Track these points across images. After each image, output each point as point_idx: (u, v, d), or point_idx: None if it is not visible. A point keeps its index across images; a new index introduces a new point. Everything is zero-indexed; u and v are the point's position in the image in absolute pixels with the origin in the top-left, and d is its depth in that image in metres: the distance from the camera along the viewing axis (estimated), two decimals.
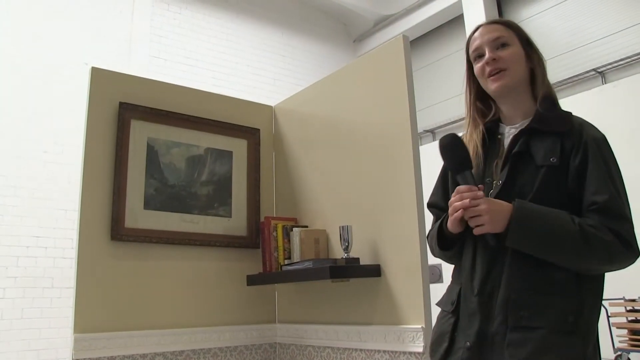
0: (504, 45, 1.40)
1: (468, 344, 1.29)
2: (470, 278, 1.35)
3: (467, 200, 1.26)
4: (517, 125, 1.40)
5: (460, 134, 1.44)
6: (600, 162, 1.25)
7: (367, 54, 2.56)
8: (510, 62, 1.38)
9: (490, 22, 1.45)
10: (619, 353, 4.33)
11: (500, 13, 5.49)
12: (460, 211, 1.29)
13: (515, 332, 1.22)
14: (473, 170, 1.34)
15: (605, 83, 4.60)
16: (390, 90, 2.24)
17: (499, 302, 1.26)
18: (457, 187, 1.31)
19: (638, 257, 1.22)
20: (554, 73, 4.82)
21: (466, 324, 1.32)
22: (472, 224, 1.28)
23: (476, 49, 1.44)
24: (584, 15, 4.87)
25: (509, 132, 1.41)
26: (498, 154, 1.39)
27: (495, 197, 1.30)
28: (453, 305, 1.39)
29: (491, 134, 1.44)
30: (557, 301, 1.21)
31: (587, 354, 1.21)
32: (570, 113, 1.37)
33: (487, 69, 1.40)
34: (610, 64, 4.56)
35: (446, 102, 5.83)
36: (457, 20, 5.86)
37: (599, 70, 4.63)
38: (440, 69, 6.11)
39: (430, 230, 1.56)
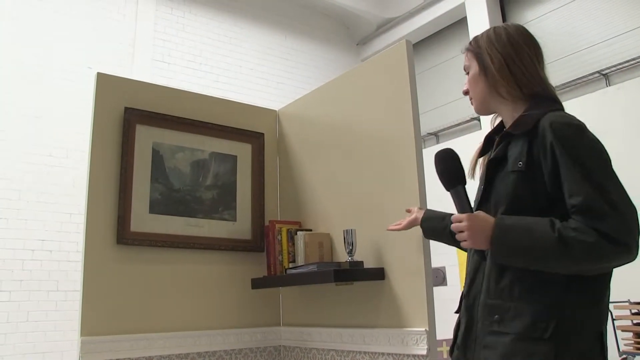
0: (468, 72, 1.49)
1: (458, 343, 1.40)
2: (465, 282, 1.44)
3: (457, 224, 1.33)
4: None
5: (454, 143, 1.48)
6: (569, 162, 1.21)
7: (370, 58, 2.57)
8: (471, 88, 1.47)
9: (463, 51, 1.53)
10: (624, 356, 4.31)
11: (503, 16, 5.50)
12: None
13: (489, 336, 1.29)
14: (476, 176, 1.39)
15: (609, 85, 4.60)
16: (393, 94, 2.25)
17: (480, 306, 1.34)
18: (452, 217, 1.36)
19: (633, 249, 1.15)
20: (558, 75, 4.82)
21: (460, 324, 1.42)
22: (457, 238, 1.33)
23: None
24: (587, 17, 4.87)
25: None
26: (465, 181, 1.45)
27: (478, 203, 1.38)
28: (458, 307, 1.47)
29: (492, 140, 1.47)
30: (530, 307, 1.23)
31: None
32: (547, 111, 1.31)
33: None
34: (614, 66, 4.56)
35: (449, 105, 5.83)
36: (460, 23, 5.87)
37: (603, 73, 4.62)
38: (443, 72, 6.11)
39: None
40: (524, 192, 1.28)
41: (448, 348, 1.54)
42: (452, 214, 1.51)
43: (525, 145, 1.29)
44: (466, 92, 1.50)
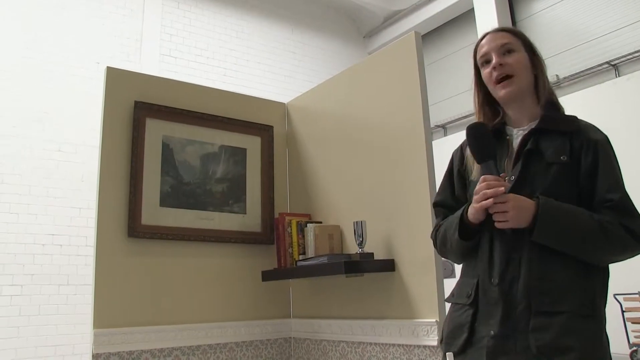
0: (510, 51, 1.46)
1: (492, 332, 1.33)
2: (488, 269, 1.39)
3: (501, 188, 1.30)
4: (525, 127, 1.47)
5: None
6: (609, 163, 1.35)
7: (379, 50, 2.57)
8: (516, 68, 1.44)
9: (497, 30, 1.53)
10: (635, 348, 4.30)
11: (511, 7, 5.46)
12: (489, 200, 1.32)
13: (538, 317, 1.28)
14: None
15: (618, 76, 4.57)
16: (402, 86, 2.24)
17: (520, 290, 1.31)
18: (484, 176, 1.35)
19: None
20: (567, 66, 4.79)
21: (487, 314, 1.36)
22: (496, 218, 1.33)
23: (483, 55, 1.51)
24: (596, 7, 4.83)
25: (517, 134, 1.48)
26: (507, 154, 1.46)
27: (510, 191, 1.35)
28: (470, 297, 1.42)
29: (499, 135, 1.50)
30: (575, 287, 1.29)
31: (604, 339, 1.30)
32: (576, 117, 1.45)
33: (495, 74, 1.46)
34: (623, 56, 4.53)
35: (457, 96, 5.81)
36: (467, 15, 5.84)
37: (613, 63, 4.59)
38: (450, 63, 6.09)
39: (437, 227, 1.58)
40: (562, 182, 1.35)
41: (444, 339, 1.50)
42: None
43: (567, 142, 1.38)
44: (502, 65, 1.44)
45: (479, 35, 1.57)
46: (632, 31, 4.55)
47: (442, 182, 1.65)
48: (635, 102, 4.32)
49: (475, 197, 1.37)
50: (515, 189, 1.36)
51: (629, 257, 1.33)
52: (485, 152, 1.39)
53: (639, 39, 4.48)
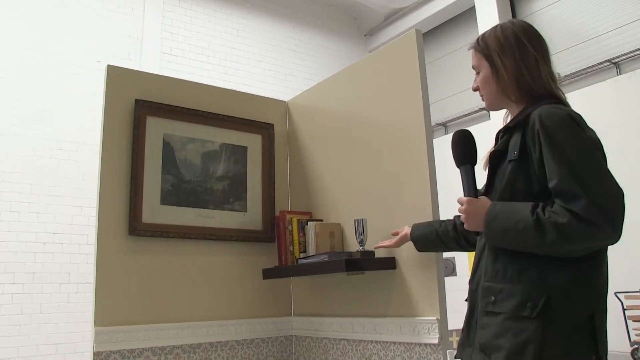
0: (478, 72, 1.54)
1: (463, 326, 1.47)
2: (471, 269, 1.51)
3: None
4: None
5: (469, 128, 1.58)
6: (549, 148, 1.28)
7: (380, 48, 2.57)
8: (482, 88, 1.53)
9: (470, 48, 1.57)
10: (636, 346, 4.30)
11: (512, 5, 5.45)
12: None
13: (484, 317, 1.36)
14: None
15: (620, 74, 4.56)
16: (403, 84, 2.24)
17: (480, 290, 1.40)
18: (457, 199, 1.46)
19: (606, 230, 1.19)
20: (568, 64, 4.79)
21: (466, 310, 1.48)
22: (462, 220, 1.45)
23: None
24: (597, 5, 4.82)
25: None
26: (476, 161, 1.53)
27: (484, 193, 1.46)
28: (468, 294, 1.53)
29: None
30: (521, 288, 1.29)
31: (547, 342, 1.22)
32: (539, 105, 1.37)
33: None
34: (625, 54, 4.52)
35: (458, 95, 5.81)
36: (468, 13, 5.83)
37: (614, 61, 4.59)
38: (451, 62, 6.08)
39: None
40: (518, 179, 1.36)
41: (458, 338, 1.55)
42: (439, 221, 1.88)
43: (519, 136, 1.38)
44: (476, 89, 1.56)
45: (480, 33, 1.60)
46: (633, 29, 4.54)
47: None
48: (637, 100, 4.31)
49: None
50: (487, 188, 1.45)
51: (587, 244, 1.23)
52: (463, 157, 1.47)
53: None
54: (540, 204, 1.28)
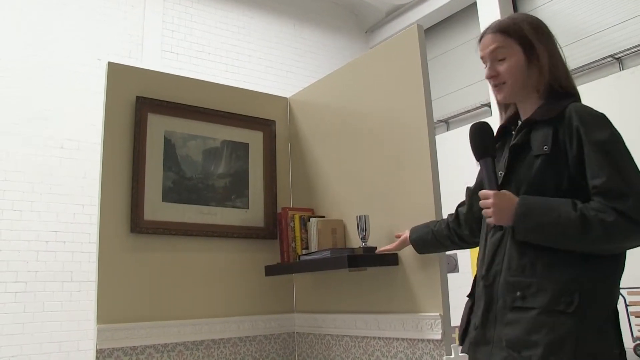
0: (502, 58, 1.43)
1: (476, 324, 1.40)
2: (481, 265, 1.45)
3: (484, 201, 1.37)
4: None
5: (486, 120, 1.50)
6: (594, 145, 1.27)
7: (381, 44, 2.55)
8: (507, 76, 1.42)
9: (491, 31, 1.47)
10: (638, 342, 4.30)
11: (514, 1, 5.43)
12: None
13: (511, 313, 1.31)
14: None
15: (622, 69, 4.55)
16: (405, 80, 2.23)
17: (500, 285, 1.35)
18: (479, 193, 1.40)
19: None
20: (570, 60, 4.76)
21: (477, 306, 1.43)
22: (484, 214, 1.39)
23: (481, 58, 1.50)
24: (599, 0, 4.80)
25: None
26: (495, 152, 1.47)
27: (499, 187, 1.39)
28: (471, 290, 1.50)
29: (507, 130, 1.53)
30: (552, 283, 1.27)
31: (581, 337, 1.22)
32: (571, 101, 1.37)
33: (490, 82, 1.48)
34: (627, 49, 4.51)
35: (459, 91, 5.79)
36: (470, 9, 5.81)
37: (616, 57, 4.57)
38: (453, 58, 6.07)
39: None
40: (547, 175, 1.32)
41: (458, 334, 1.54)
42: (435, 221, 1.88)
43: (550, 131, 1.34)
44: (493, 77, 1.45)
45: (482, 30, 1.55)
46: (635, 24, 4.52)
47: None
48: (639, 95, 4.29)
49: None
50: (503, 184, 1.39)
51: (631, 244, 1.24)
52: (484, 150, 1.41)
53: None
54: (577, 201, 1.26)
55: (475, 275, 1.49)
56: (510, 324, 1.30)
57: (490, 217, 1.35)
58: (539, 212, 1.27)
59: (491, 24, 1.50)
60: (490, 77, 1.46)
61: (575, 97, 1.41)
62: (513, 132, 1.48)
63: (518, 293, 1.30)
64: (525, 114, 1.47)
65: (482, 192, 1.37)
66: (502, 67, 1.43)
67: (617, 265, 1.30)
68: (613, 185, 1.23)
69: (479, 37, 1.52)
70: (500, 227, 1.38)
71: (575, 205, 1.25)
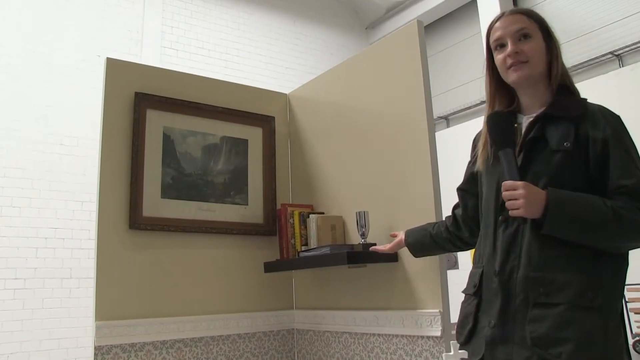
0: (526, 36, 1.41)
1: (492, 322, 1.34)
2: (491, 260, 1.39)
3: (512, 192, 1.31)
4: (534, 114, 1.43)
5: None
6: (621, 147, 1.29)
7: (381, 39, 2.55)
8: (531, 54, 1.40)
9: (513, 12, 1.46)
10: (638, 338, 4.30)
11: None
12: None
13: (535, 309, 1.27)
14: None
15: (622, 66, 4.53)
16: (405, 75, 2.22)
17: (519, 281, 1.31)
18: (503, 183, 1.33)
19: None
20: (570, 57, 4.75)
21: (489, 304, 1.37)
22: (509, 206, 1.31)
23: (498, 38, 1.45)
24: None
25: (526, 121, 1.44)
26: (516, 142, 1.42)
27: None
28: (475, 287, 1.44)
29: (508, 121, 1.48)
30: (575, 278, 1.25)
31: (608, 331, 1.23)
32: (586, 99, 1.40)
33: (509, 61, 1.42)
34: (627, 46, 4.49)
35: (460, 88, 5.77)
36: (470, 5, 5.79)
37: (616, 53, 4.55)
38: (453, 54, 6.05)
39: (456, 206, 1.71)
40: (567, 171, 1.31)
41: (458, 333, 1.49)
42: (431, 224, 1.82)
43: (572, 127, 1.33)
44: (517, 53, 1.40)
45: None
46: (635, 21, 4.51)
47: (465, 170, 1.67)
48: (639, 92, 4.28)
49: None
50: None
51: None
52: (504, 140, 1.37)
53: None
54: (602, 197, 1.27)
55: (482, 272, 1.43)
56: (535, 321, 1.26)
57: (517, 209, 1.29)
58: (572, 205, 1.26)
59: (507, 10, 1.49)
60: (514, 54, 1.40)
61: (578, 94, 1.42)
62: (516, 125, 1.45)
63: (541, 289, 1.27)
64: (532, 105, 1.44)
65: (508, 183, 1.31)
66: (526, 46, 1.40)
67: (625, 261, 1.32)
68: None
69: (493, 21, 1.49)
70: (514, 220, 1.34)
71: (604, 201, 1.26)
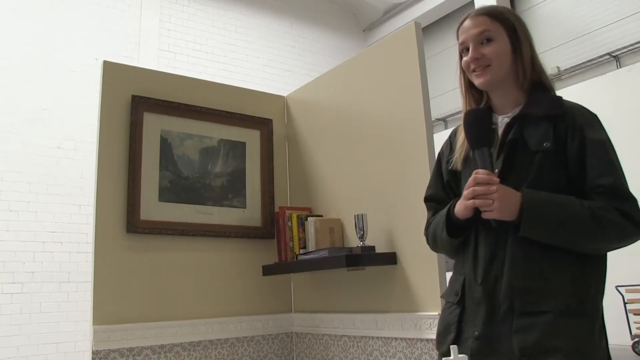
0: (488, 40, 1.36)
1: (476, 333, 1.28)
2: (473, 267, 1.34)
3: (493, 187, 1.24)
4: (510, 114, 1.39)
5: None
6: (598, 145, 1.26)
7: (379, 42, 2.54)
8: (493, 58, 1.35)
9: (476, 14, 1.40)
10: (637, 339, 4.30)
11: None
12: (474, 200, 1.26)
13: (522, 318, 1.22)
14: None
15: (620, 67, 4.54)
16: (403, 78, 2.22)
17: (504, 289, 1.26)
18: (476, 171, 1.27)
19: None
20: (568, 58, 4.76)
21: (472, 313, 1.32)
22: (481, 207, 1.26)
23: (462, 42, 1.42)
24: None
25: (502, 122, 1.39)
26: (493, 144, 1.37)
27: None
28: (457, 295, 1.37)
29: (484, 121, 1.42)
30: (562, 284, 1.22)
31: (595, 336, 1.21)
32: (561, 97, 1.35)
33: (472, 66, 1.39)
34: (624, 47, 4.50)
35: (457, 89, 5.78)
36: (467, 7, 5.80)
37: (614, 54, 4.56)
38: (451, 56, 6.05)
39: (428, 224, 1.53)
40: (547, 171, 1.28)
41: (440, 342, 1.41)
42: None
43: (550, 127, 1.30)
44: (477, 59, 1.36)
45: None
46: (632, 22, 4.52)
47: (431, 175, 1.58)
48: (636, 93, 4.29)
49: (464, 193, 1.29)
50: (500, 179, 1.29)
51: (629, 243, 1.24)
52: (480, 138, 1.32)
53: None
54: (579, 198, 1.23)
55: (464, 280, 1.37)
56: (522, 331, 1.21)
57: (490, 210, 1.24)
58: (548, 207, 1.22)
59: (473, 10, 1.44)
60: (474, 60, 1.36)
61: (555, 94, 1.38)
62: (493, 126, 1.40)
63: (527, 297, 1.22)
64: (504, 106, 1.40)
65: (483, 178, 1.24)
66: (487, 49, 1.35)
67: (605, 265, 1.29)
68: (619, 186, 1.23)
69: (459, 23, 1.44)
70: (496, 225, 1.28)
71: (581, 202, 1.22)
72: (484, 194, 1.24)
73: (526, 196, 1.23)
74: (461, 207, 1.32)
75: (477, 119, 1.36)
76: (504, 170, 1.31)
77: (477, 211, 1.29)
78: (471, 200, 1.27)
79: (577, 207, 1.21)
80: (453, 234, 1.39)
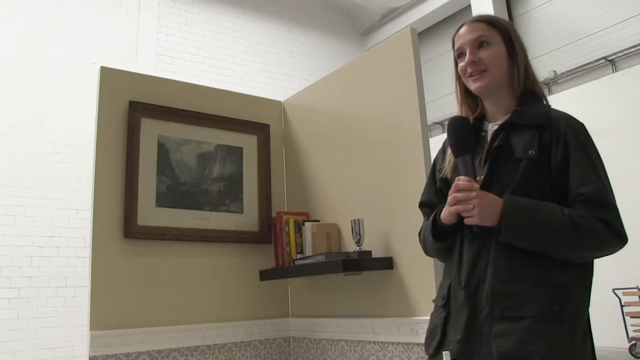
0: (485, 45, 1.39)
1: (458, 336, 1.31)
2: (458, 271, 1.36)
3: (473, 193, 1.27)
4: (499, 121, 1.41)
5: None
6: (582, 154, 1.27)
7: (375, 47, 2.55)
8: (490, 63, 1.37)
9: (473, 21, 1.43)
10: (633, 342, 4.31)
11: (508, 3, 5.45)
12: (457, 206, 1.30)
13: (501, 323, 1.23)
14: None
15: (615, 71, 4.56)
16: (399, 83, 2.23)
17: (485, 294, 1.27)
18: (457, 178, 1.31)
19: (626, 243, 1.24)
20: (564, 62, 4.78)
21: (456, 317, 1.34)
22: (462, 213, 1.29)
23: (458, 48, 1.44)
24: (592, 3, 4.82)
25: (491, 129, 1.41)
26: (481, 151, 1.40)
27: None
28: (444, 299, 1.40)
29: (476, 132, 1.44)
30: (541, 290, 1.23)
31: (575, 343, 1.21)
32: (549, 106, 1.37)
33: (468, 70, 1.41)
34: (620, 51, 4.53)
35: (454, 94, 5.80)
36: (464, 12, 5.82)
37: (609, 59, 4.59)
38: (448, 61, 6.06)
39: (421, 229, 1.56)
40: (532, 178, 1.29)
41: (428, 345, 1.44)
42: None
43: (536, 135, 1.31)
44: (474, 62, 1.39)
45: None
46: (628, 26, 4.54)
47: (426, 181, 1.60)
48: (632, 97, 4.31)
49: (448, 200, 1.33)
50: (483, 188, 1.31)
51: (609, 253, 1.25)
52: (463, 146, 1.34)
53: (636, 33, 4.48)
54: (561, 205, 1.24)
55: (446, 283, 1.41)
56: (501, 336, 1.22)
57: (470, 215, 1.27)
58: (528, 213, 1.23)
59: (469, 18, 1.46)
60: (471, 63, 1.39)
61: (546, 101, 1.40)
62: (483, 133, 1.43)
63: (507, 302, 1.23)
64: (496, 113, 1.42)
65: (464, 184, 1.27)
66: (484, 54, 1.38)
67: (591, 272, 1.29)
68: (600, 195, 1.23)
69: (456, 30, 1.47)
70: (480, 231, 1.30)
71: (562, 209, 1.23)
72: (464, 200, 1.28)
73: (507, 202, 1.25)
74: (445, 212, 1.36)
75: (458, 127, 1.38)
76: (490, 177, 1.33)
77: (461, 217, 1.32)
78: (454, 207, 1.30)
79: (557, 215, 1.22)
80: (438, 238, 1.43)
